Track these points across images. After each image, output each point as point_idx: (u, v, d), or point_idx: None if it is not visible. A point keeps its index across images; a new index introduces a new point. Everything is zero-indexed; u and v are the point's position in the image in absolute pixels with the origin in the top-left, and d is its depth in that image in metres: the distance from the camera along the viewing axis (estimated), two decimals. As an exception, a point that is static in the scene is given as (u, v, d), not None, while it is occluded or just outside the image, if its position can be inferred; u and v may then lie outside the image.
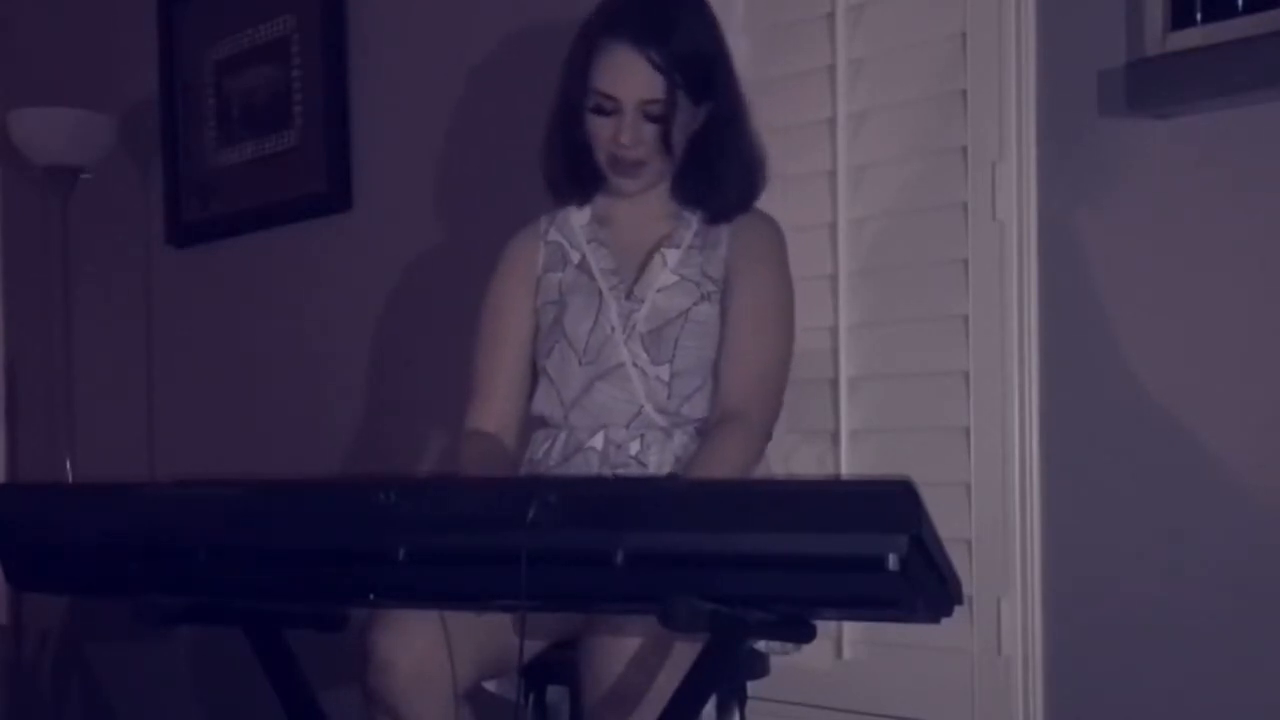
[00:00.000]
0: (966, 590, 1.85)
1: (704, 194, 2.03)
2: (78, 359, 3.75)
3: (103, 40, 3.84)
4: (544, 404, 2.05)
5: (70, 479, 3.58)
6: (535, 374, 2.08)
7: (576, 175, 2.06)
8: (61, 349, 3.69)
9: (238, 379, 3.43)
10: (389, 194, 3.03)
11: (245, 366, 3.41)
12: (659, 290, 2.01)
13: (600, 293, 2.02)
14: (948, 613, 1.40)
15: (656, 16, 1.93)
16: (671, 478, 1.90)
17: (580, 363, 2.00)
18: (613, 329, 2.00)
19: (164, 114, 3.58)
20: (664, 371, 1.98)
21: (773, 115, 2.31)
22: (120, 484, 1.68)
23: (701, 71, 1.95)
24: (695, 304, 2.00)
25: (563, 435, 2.02)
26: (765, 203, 2.13)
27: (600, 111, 1.96)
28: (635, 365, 1.98)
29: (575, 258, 2.07)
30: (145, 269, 3.71)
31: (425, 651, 1.75)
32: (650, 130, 1.95)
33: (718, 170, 2.02)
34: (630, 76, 1.92)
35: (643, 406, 1.98)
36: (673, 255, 2.02)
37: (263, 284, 3.36)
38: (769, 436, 2.02)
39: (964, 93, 2.07)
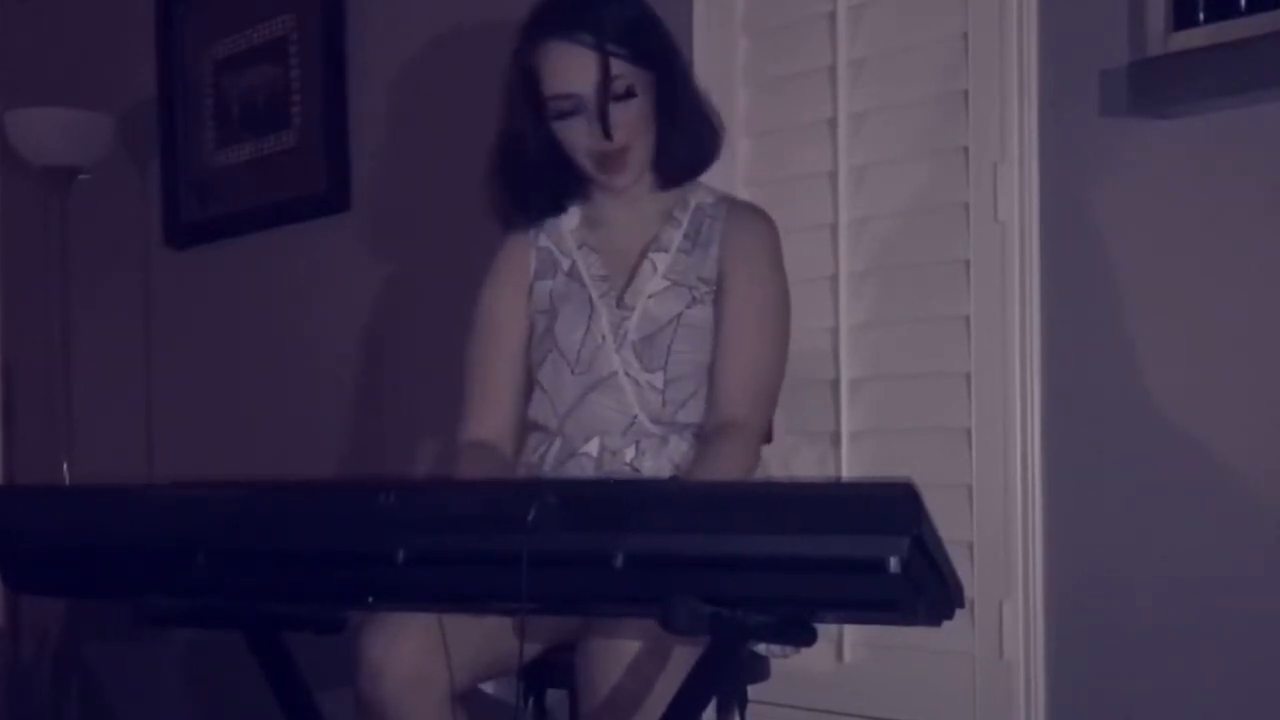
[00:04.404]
0: (968, 593, 1.84)
1: (656, 159, 1.99)
2: (75, 360, 3.74)
3: (101, 40, 3.84)
4: (538, 412, 2.04)
5: (68, 481, 3.58)
6: (530, 381, 2.06)
7: (538, 196, 2.04)
8: (59, 350, 3.68)
9: (236, 380, 3.43)
10: (387, 195, 3.02)
11: (243, 367, 3.41)
12: (650, 296, 1.98)
13: (591, 300, 2.00)
14: (949, 616, 1.39)
15: (574, 3, 1.92)
16: (672, 480, 1.90)
17: (573, 373, 1.99)
18: (604, 338, 1.98)
19: (162, 114, 3.58)
20: (657, 379, 1.96)
21: (773, 115, 2.31)
22: (118, 486, 1.67)
23: (636, 37, 1.92)
24: (687, 307, 1.97)
25: (558, 441, 2.01)
26: (766, 203, 2.12)
27: (563, 115, 1.93)
28: (627, 374, 1.97)
29: (565, 264, 2.04)
30: (143, 270, 3.70)
31: (417, 656, 1.73)
32: (624, 110, 1.92)
33: (667, 133, 1.97)
34: (575, 65, 1.90)
35: (636, 416, 1.96)
36: (662, 260, 2.00)
37: (261, 285, 3.35)
38: (764, 439, 2.01)
39: (966, 93, 2.07)
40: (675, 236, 2.01)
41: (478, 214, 2.79)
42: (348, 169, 3.09)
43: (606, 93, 1.90)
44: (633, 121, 1.93)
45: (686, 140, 1.99)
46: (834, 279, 2.20)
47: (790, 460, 2.23)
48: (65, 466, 3.63)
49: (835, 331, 2.20)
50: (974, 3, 2.05)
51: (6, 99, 3.66)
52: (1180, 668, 1.88)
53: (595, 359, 1.98)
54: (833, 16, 2.21)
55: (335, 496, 1.51)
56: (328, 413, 3.15)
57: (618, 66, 1.90)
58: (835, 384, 2.20)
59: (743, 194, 2.19)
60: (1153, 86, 1.85)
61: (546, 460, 2.00)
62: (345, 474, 3.06)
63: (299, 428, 3.23)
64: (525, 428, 2.07)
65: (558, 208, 2.06)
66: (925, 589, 1.29)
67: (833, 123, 2.21)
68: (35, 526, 1.62)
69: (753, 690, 2.01)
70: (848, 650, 2.19)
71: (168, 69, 3.56)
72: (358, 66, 3.08)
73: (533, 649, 1.92)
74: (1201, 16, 1.81)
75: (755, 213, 2.04)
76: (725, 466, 1.89)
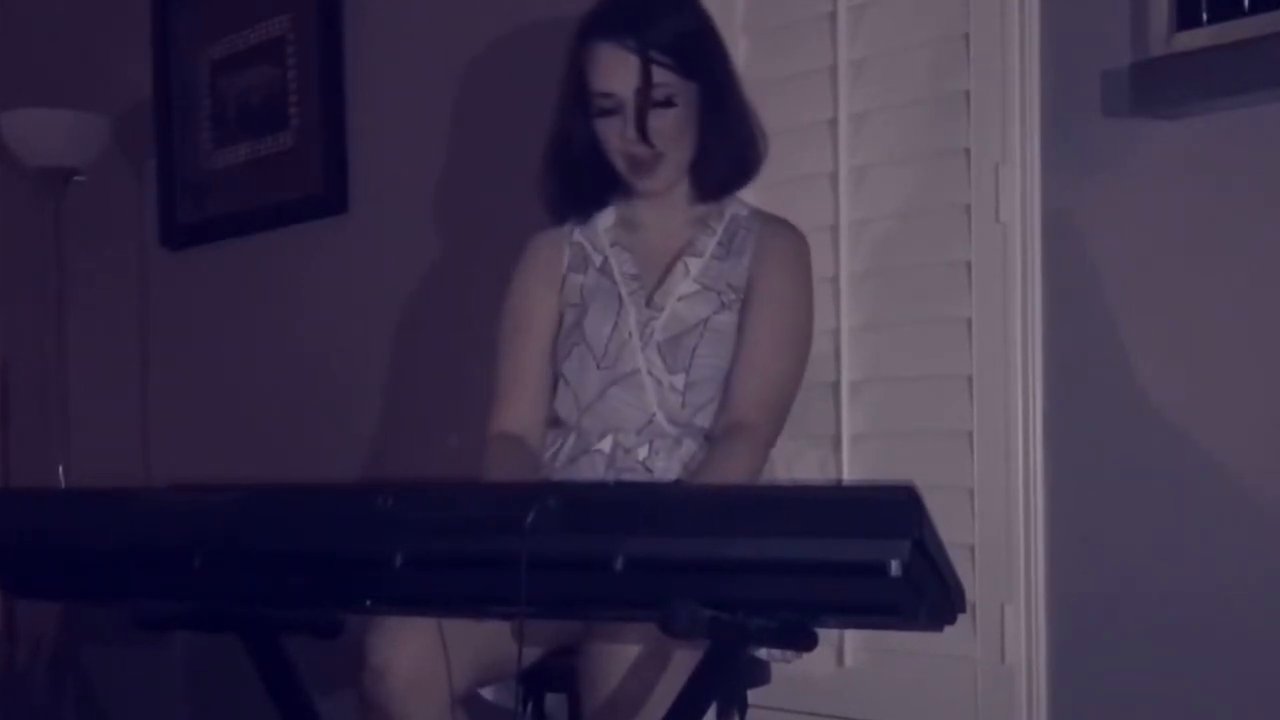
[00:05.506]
0: (970, 597, 1.83)
1: (695, 169, 2.02)
2: (71, 363, 3.73)
3: (97, 40, 3.83)
4: (560, 406, 2.04)
5: (64, 484, 3.56)
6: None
7: (581, 190, 2.06)
8: (55, 353, 3.67)
9: (232, 382, 3.42)
10: (385, 196, 3.01)
11: (240, 370, 3.40)
12: (680, 299, 2.00)
13: (621, 297, 2.01)
14: (950, 620, 1.39)
15: (630, 8, 1.96)
16: (673, 483, 1.89)
17: (598, 366, 2.00)
18: (631, 335, 1.99)
19: (159, 115, 3.57)
20: (679, 381, 1.97)
21: (773, 116, 2.29)
22: (115, 489, 1.66)
23: (685, 48, 1.95)
24: (715, 313, 1.99)
25: (572, 437, 2.01)
26: (767, 204, 2.12)
27: (605, 114, 1.96)
28: (650, 373, 1.98)
29: (598, 260, 2.06)
30: (139, 271, 3.69)
31: (420, 658, 1.74)
32: (661, 118, 1.94)
33: (709, 145, 2.01)
34: (619, 68, 1.93)
35: (654, 415, 1.97)
36: (695, 264, 2.02)
37: (258, 287, 3.34)
38: (772, 447, 2.01)
39: (967, 93, 2.06)
40: (710, 243, 2.03)
41: (477, 215, 2.80)
42: (345, 171, 3.08)
43: (646, 98, 1.93)
44: (669, 129, 1.95)
45: (726, 154, 2.02)
46: (834, 280, 2.19)
47: (791, 463, 2.22)
48: (61, 469, 3.62)
49: (836, 333, 2.19)
50: (974, 3, 2.04)
51: (2, 100, 3.65)
52: (1182, 671, 1.87)
53: (621, 355, 1.99)
54: (833, 16, 2.20)
55: (333, 499, 1.50)
56: (325, 415, 3.14)
57: (660, 75, 1.93)
58: (836, 386, 2.19)
59: (743, 195, 2.17)
60: (1155, 87, 1.84)
61: (560, 456, 2.01)
62: (343, 476, 3.05)
63: (296, 430, 3.22)
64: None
65: (600, 203, 2.08)
66: (926, 593, 1.29)
67: (833, 123, 2.20)
68: (31, 530, 1.61)
69: (753, 695, 2.00)
70: (848, 654, 2.18)
71: (164, 70, 3.55)
72: (355, 67, 3.07)
73: (533, 653, 1.92)
74: (1204, 17, 1.80)
75: (789, 228, 2.06)
76: (732, 466, 1.89)
